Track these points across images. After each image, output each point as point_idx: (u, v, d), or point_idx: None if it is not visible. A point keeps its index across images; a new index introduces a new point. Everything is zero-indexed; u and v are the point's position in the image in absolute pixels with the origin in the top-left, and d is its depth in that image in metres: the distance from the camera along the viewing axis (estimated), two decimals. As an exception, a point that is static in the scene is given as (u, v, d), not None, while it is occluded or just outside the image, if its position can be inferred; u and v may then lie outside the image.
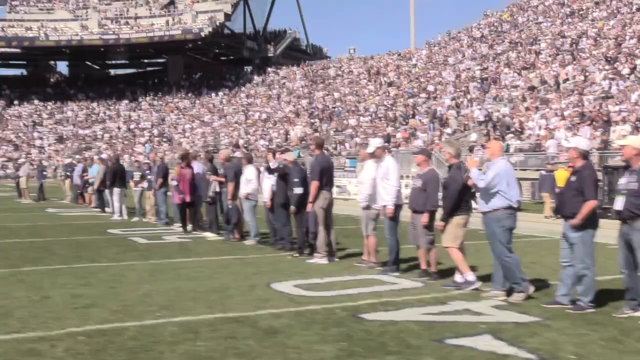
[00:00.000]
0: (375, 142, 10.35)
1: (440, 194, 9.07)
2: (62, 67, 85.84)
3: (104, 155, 25.66)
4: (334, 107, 53.93)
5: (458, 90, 44.53)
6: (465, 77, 46.81)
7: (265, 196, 12.54)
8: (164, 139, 60.83)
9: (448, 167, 8.90)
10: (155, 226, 16.81)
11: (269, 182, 12.41)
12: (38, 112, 68.92)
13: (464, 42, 56.93)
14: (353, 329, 6.45)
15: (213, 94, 70.03)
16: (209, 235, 14.13)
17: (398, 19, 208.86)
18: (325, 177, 10.89)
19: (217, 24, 69.87)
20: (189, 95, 71.40)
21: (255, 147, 48.13)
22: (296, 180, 11.37)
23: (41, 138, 63.49)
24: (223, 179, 13.57)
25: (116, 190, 18.92)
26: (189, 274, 9.64)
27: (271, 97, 64.24)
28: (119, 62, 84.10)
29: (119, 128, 65.49)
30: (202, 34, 67.90)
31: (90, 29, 70.55)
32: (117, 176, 18.85)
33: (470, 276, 8.45)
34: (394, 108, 46.95)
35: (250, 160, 13.41)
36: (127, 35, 69.42)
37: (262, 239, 13.19)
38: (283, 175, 11.72)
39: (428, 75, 52.31)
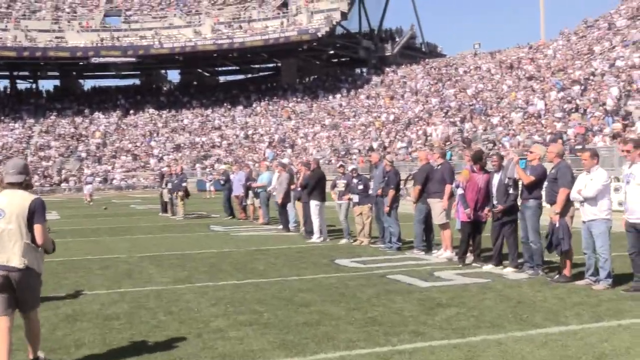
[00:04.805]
0: None
1: None
2: (173, 75, 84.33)
3: (285, 160, 21.77)
4: (471, 105, 49.26)
5: (620, 80, 39.29)
6: (624, 65, 41.42)
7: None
8: (286, 145, 57.37)
9: None
10: (385, 253, 12.63)
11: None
12: (153, 121, 67.01)
13: (605, 30, 51.12)
14: None
15: (330, 97, 66.34)
16: (506, 272, 9.80)
17: (522, 11, 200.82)
18: None
19: (334, 23, 66.01)
20: (305, 98, 67.94)
21: (393, 151, 43.99)
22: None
23: (158, 147, 61.40)
24: (531, 178, 9.26)
25: (315, 203, 14.86)
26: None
27: (394, 98, 59.98)
28: (229, 68, 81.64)
29: (236, 135, 62.66)
30: (319, 34, 64.16)
31: (203, 35, 68.07)
32: (317, 185, 14.79)
33: None
34: (545, 103, 41.90)
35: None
36: (241, 39, 66.43)
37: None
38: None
39: (574, 66, 47.03)
